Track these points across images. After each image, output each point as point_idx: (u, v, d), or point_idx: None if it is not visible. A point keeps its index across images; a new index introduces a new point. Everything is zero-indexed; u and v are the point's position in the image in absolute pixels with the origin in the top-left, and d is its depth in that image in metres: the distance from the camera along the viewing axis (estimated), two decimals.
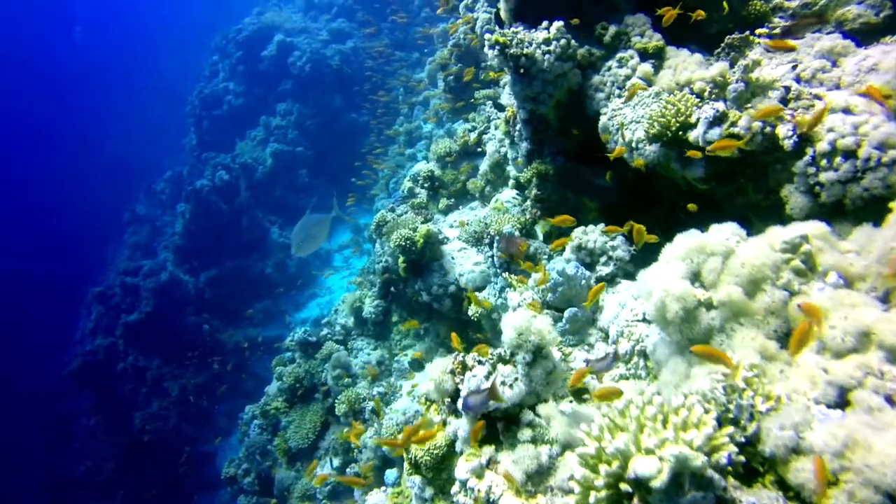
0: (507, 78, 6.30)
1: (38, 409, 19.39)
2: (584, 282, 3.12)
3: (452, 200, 6.01)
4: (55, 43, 40.04)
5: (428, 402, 2.59)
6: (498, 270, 4.23)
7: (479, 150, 6.06)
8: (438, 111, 11.90)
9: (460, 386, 2.45)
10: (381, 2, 17.78)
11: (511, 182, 5.28)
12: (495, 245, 4.16)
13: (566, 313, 3.12)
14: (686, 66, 3.15)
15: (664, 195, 3.75)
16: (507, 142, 4.93)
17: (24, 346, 22.49)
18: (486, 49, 3.68)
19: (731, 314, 2.13)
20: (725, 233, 2.23)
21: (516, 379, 2.37)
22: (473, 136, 6.02)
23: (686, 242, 2.24)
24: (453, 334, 2.57)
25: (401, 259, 5.03)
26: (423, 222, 5.45)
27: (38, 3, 39.47)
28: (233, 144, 18.06)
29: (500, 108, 5.55)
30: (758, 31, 3.40)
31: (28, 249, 27.59)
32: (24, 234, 28.36)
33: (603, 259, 3.50)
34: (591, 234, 3.53)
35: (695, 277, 2.19)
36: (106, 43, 39.70)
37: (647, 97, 3.21)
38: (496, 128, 5.53)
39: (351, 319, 7.09)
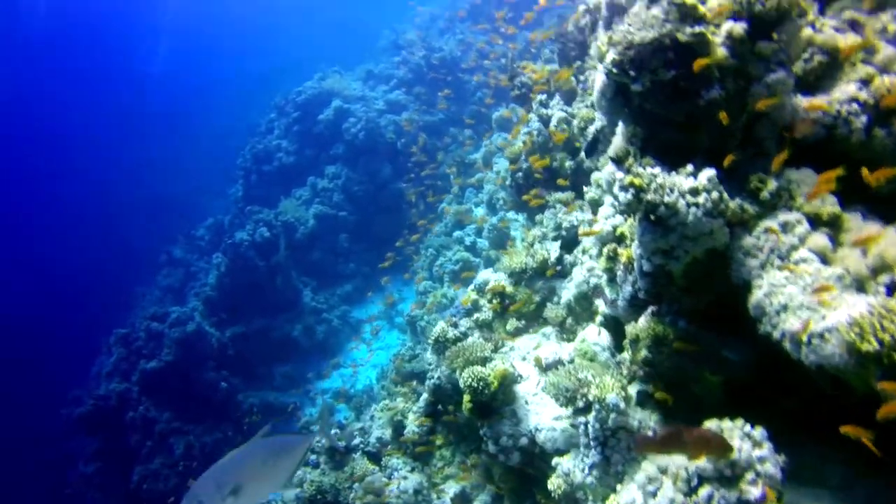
0: (591, 193, 5.77)
1: (40, 447, 18.78)
2: None
3: (523, 322, 5.35)
4: (130, 74, 42.35)
5: None
6: (592, 442, 3.47)
7: (558, 268, 5.44)
8: (494, 199, 11.52)
9: None
10: (438, 81, 18.02)
11: (599, 319, 4.60)
12: (594, 415, 3.42)
13: None
14: (887, 247, 2.49)
15: (808, 385, 3.00)
16: (603, 277, 4.29)
17: (42, 377, 22.10)
18: (616, 189, 3.11)
19: None
20: None
21: None
22: (553, 253, 5.42)
23: None
24: None
25: (467, 398, 4.33)
26: (492, 350, 4.78)
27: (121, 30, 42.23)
28: (277, 201, 18.03)
29: (573, 242, 4.96)
30: None
31: (63, 277, 27.77)
32: (62, 262, 28.69)
33: (750, 476, 2.74)
34: (734, 439, 2.78)
35: None
36: (176, 81, 41.68)
37: (831, 283, 2.56)
38: (584, 252, 4.94)
39: (388, 432, 6.32)
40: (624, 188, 3.03)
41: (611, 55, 3.20)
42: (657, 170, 3.06)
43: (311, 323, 15.74)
